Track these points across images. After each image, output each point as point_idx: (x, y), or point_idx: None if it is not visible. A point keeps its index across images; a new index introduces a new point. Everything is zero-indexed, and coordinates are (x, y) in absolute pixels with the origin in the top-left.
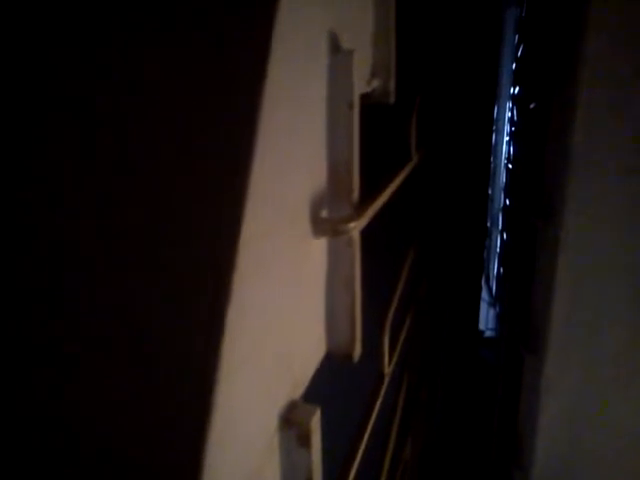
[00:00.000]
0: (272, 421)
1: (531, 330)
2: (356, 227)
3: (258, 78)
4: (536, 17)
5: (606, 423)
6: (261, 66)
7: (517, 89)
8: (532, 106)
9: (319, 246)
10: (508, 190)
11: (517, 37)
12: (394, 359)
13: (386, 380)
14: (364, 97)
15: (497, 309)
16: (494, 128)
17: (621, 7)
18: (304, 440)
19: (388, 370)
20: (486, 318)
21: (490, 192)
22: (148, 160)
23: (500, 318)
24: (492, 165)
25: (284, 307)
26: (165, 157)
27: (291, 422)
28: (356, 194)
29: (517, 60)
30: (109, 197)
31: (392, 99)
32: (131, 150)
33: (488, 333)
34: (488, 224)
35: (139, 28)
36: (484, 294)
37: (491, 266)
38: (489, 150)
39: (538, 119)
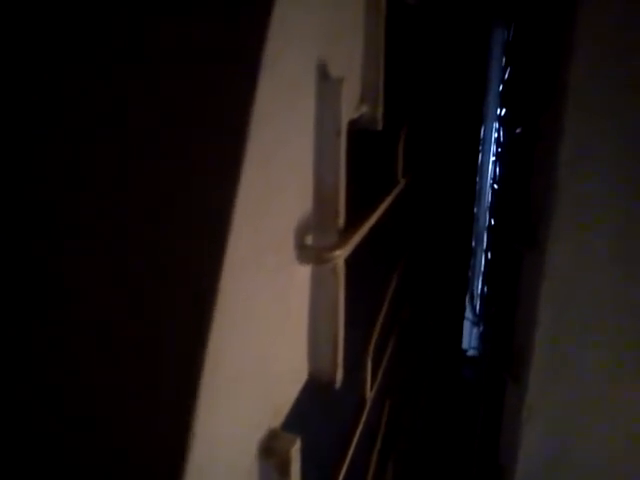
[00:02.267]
0: (251, 450)
1: (514, 356)
2: (341, 255)
3: (245, 103)
4: (521, 42)
5: (589, 451)
6: (248, 92)
7: (504, 111)
8: (518, 131)
9: (303, 273)
10: (493, 210)
11: (504, 59)
12: (376, 383)
13: (368, 405)
14: (352, 123)
15: (480, 328)
16: (480, 148)
17: (605, 35)
18: (284, 469)
19: (370, 395)
20: (469, 337)
21: (475, 211)
22: (129, 186)
23: (483, 338)
24: (478, 185)
25: (266, 334)
26: (146, 183)
27: (271, 451)
28: (342, 221)
29: (504, 82)
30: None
31: (380, 125)
32: (108, 183)
33: (471, 352)
34: (473, 243)
35: (124, 52)
36: (468, 313)
37: (475, 285)
38: (475, 170)
39: (523, 145)
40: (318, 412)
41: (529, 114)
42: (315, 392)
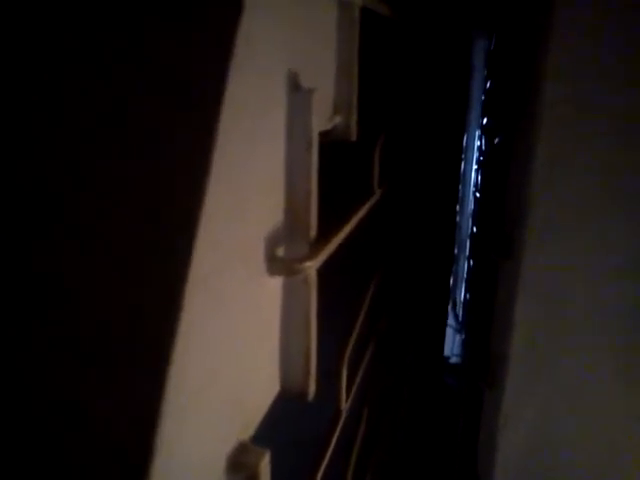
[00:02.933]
0: (220, 464)
1: (490, 364)
2: (312, 266)
3: (213, 114)
4: (501, 52)
5: (567, 459)
6: (216, 101)
7: (485, 120)
8: (497, 141)
9: (274, 284)
10: (475, 218)
11: (486, 69)
12: (352, 393)
13: (343, 416)
14: (325, 134)
15: (463, 335)
16: (463, 156)
17: (578, 47)
18: None
19: (345, 405)
20: (452, 344)
21: (458, 219)
22: (99, 191)
23: (464, 345)
24: (460, 193)
25: (235, 346)
26: (113, 189)
27: (239, 465)
28: (313, 233)
29: (485, 92)
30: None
31: (353, 136)
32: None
33: (454, 359)
34: (455, 250)
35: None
36: (450, 320)
37: (458, 292)
38: (458, 178)
39: (501, 155)
40: (291, 424)
41: (507, 124)
42: (287, 404)
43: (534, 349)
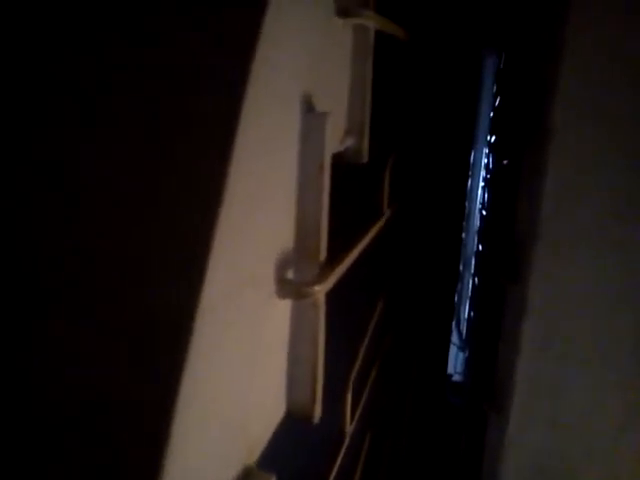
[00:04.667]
0: None
1: (495, 388)
2: (321, 290)
3: (226, 133)
4: (509, 71)
5: None
6: (230, 121)
7: (493, 137)
8: (505, 162)
9: (283, 307)
10: (481, 235)
11: (495, 87)
12: (357, 416)
13: (347, 439)
14: (336, 156)
15: (466, 353)
16: (470, 173)
17: (589, 78)
18: None
19: (349, 428)
20: (455, 362)
21: (464, 236)
22: (105, 214)
23: (468, 364)
24: (467, 210)
25: (242, 370)
26: (121, 212)
27: None
28: (323, 256)
29: (494, 109)
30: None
31: (365, 158)
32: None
33: (456, 377)
34: (461, 268)
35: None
36: (454, 338)
37: (462, 310)
38: (464, 195)
39: (509, 178)
40: (296, 448)
41: (515, 147)
42: (293, 428)
43: (540, 374)
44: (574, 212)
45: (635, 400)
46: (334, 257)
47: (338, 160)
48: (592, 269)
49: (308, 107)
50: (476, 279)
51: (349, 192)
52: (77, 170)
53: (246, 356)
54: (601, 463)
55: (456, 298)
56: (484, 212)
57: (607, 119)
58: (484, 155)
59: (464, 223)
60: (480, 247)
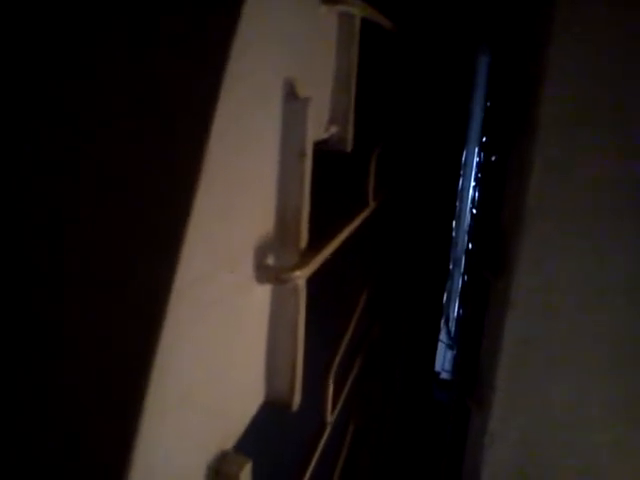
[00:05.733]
0: (200, 472)
1: (478, 382)
2: (301, 276)
3: (204, 120)
4: (499, 70)
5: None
6: (209, 107)
7: (485, 137)
8: (493, 159)
9: (263, 293)
10: (471, 234)
11: (487, 86)
12: (339, 406)
13: (328, 428)
14: (321, 143)
15: (454, 351)
16: (462, 172)
17: (574, 75)
18: None
19: (331, 418)
20: (443, 360)
21: (454, 235)
22: (83, 197)
23: (455, 361)
24: (457, 208)
25: (220, 355)
26: (100, 193)
27: (220, 474)
28: (304, 242)
29: (485, 109)
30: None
31: (349, 147)
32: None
33: (444, 375)
34: (450, 266)
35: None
36: (442, 335)
37: (451, 308)
38: (455, 194)
39: (497, 173)
40: (274, 435)
41: (502, 143)
42: (271, 414)
43: (522, 368)
44: (559, 207)
45: (616, 395)
46: (316, 245)
47: (322, 147)
48: (575, 264)
49: (291, 93)
50: (466, 278)
51: (333, 180)
52: (57, 157)
53: (223, 340)
54: (581, 457)
55: (445, 296)
56: (474, 211)
57: (592, 115)
58: (476, 155)
59: (454, 222)
60: (470, 246)
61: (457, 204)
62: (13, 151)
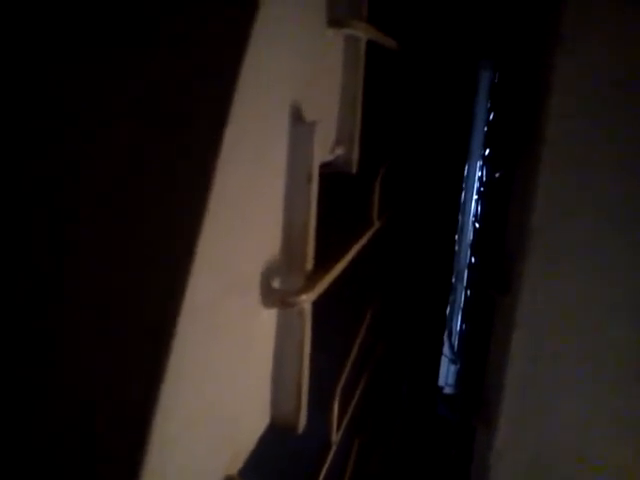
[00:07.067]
0: None
1: (484, 401)
2: (307, 299)
3: (214, 142)
4: (503, 85)
5: None
6: (217, 130)
7: (487, 151)
8: (497, 175)
9: (269, 316)
10: (474, 248)
11: (489, 101)
12: (344, 425)
13: (333, 448)
14: (326, 165)
15: (457, 366)
16: (464, 186)
17: (581, 92)
18: None
19: (336, 438)
20: (446, 374)
21: (457, 248)
22: (92, 219)
23: (459, 377)
24: (460, 222)
25: (227, 378)
26: (109, 214)
27: None
28: (310, 265)
29: (488, 123)
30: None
31: (354, 169)
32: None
33: (447, 389)
34: (453, 280)
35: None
36: (446, 350)
37: (454, 322)
38: (457, 207)
39: (501, 190)
40: (280, 457)
41: (507, 160)
42: (277, 437)
43: (529, 388)
44: (564, 225)
45: (624, 413)
46: (321, 267)
47: (328, 169)
48: (582, 282)
49: (297, 116)
50: (468, 292)
51: (339, 202)
52: (62, 172)
53: (230, 363)
54: (590, 477)
55: (448, 310)
56: (477, 225)
57: (599, 132)
58: (478, 168)
59: (457, 236)
60: (473, 260)
61: (459, 217)
62: (13, 150)
